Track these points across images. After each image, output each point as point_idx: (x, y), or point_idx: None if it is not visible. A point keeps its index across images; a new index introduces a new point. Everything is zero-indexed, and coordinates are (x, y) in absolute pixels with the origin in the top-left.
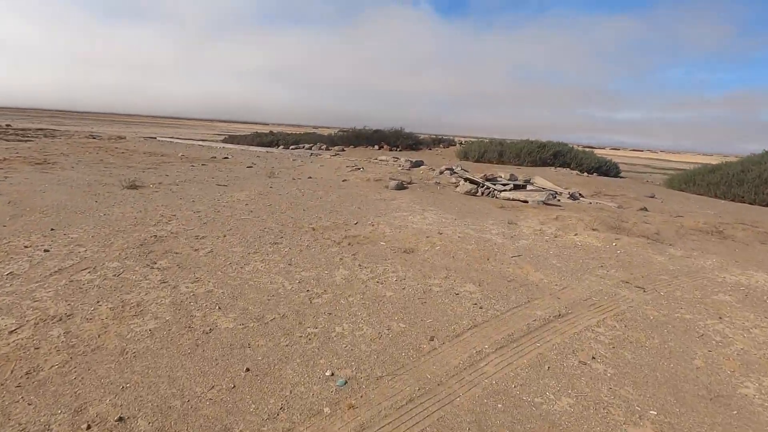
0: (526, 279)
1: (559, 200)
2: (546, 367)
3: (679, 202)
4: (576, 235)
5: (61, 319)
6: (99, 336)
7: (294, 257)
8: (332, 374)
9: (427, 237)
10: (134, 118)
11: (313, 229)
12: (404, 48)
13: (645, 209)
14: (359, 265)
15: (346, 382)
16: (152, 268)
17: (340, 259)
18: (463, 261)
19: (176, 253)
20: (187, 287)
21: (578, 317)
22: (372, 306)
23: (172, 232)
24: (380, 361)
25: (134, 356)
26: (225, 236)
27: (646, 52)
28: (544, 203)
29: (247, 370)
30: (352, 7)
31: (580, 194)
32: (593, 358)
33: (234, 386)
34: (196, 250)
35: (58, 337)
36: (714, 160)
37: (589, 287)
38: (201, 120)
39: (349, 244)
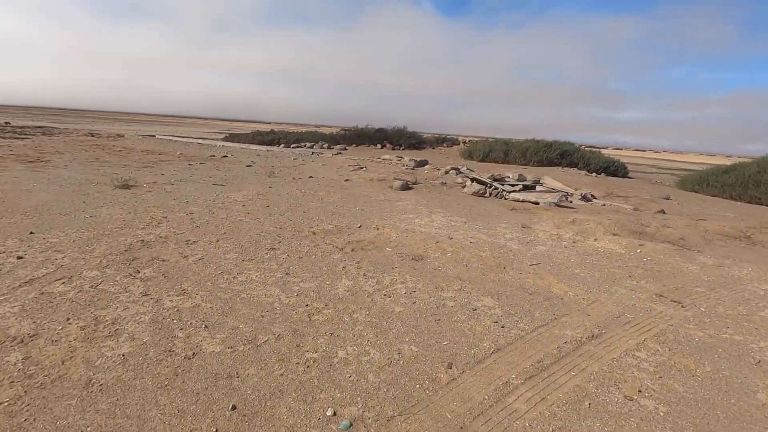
0: (549, 291)
1: (571, 202)
2: (587, 403)
3: (695, 204)
4: (596, 240)
5: (22, 341)
6: (63, 363)
7: (292, 265)
8: (334, 413)
9: (437, 242)
10: (137, 116)
11: (314, 233)
12: (406, 47)
13: (663, 212)
14: (364, 275)
15: (351, 425)
16: (134, 278)
17: (343, 267)
18: (477, 270)
19: (163, 260)
20: (171, 301)
21: (614, 339)
22: (379, 324)
23: (161, 237)
24: (391, 396)
25: (101, 389)
26: (218, 241)
27: (648, 52)
28: (557, 205)
29: (234, 408)
30: (354, 6)
31: (592, 195)
32: (639, 391)
33: (216, 431)
34: (185, 257)
35: (15, 364)
36: (718, 161)
37: (620, 301)
38: (203, 118)
39: (352, 250)
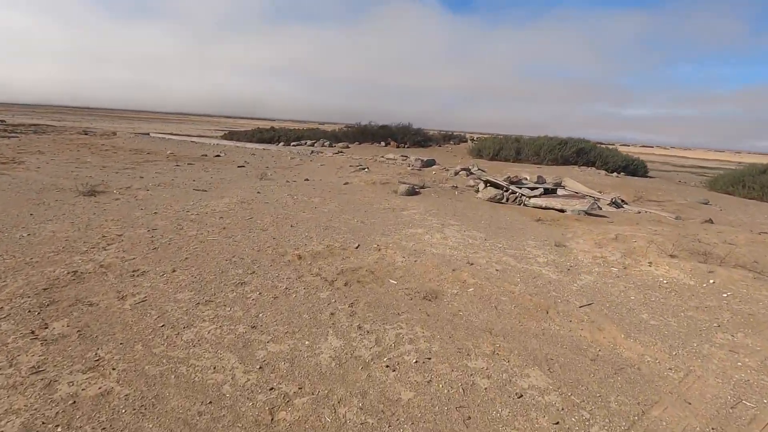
0: (617, 354)
1: (600, 208)
2: None
3: (740, 210)
4: (651, 265)
5: None
6: None
7: (263, 312)
8: None
9: (453, 270)
10: (142, 114)
11: (299, 258)
12: (411, 43)
13: (711, 221)
14: (359, 327)
15: None
16: (35, 338)
17: (331, 314)
18: (511, 315)
19: (90, 304)
20: (70, 384)
21: None
22: (379, 429)
23: (102, 265)
24: None
25: None
26: (174, 271)
27: (655, 48)
28: (587, 213)
29: None
30: (359, 3)
31: (622, 200)
32: None
33: None
34: (122, 298)
35: None
36: (726, 157)
37: (723, 374)
38: (207, 116)
39: (345, 283)
